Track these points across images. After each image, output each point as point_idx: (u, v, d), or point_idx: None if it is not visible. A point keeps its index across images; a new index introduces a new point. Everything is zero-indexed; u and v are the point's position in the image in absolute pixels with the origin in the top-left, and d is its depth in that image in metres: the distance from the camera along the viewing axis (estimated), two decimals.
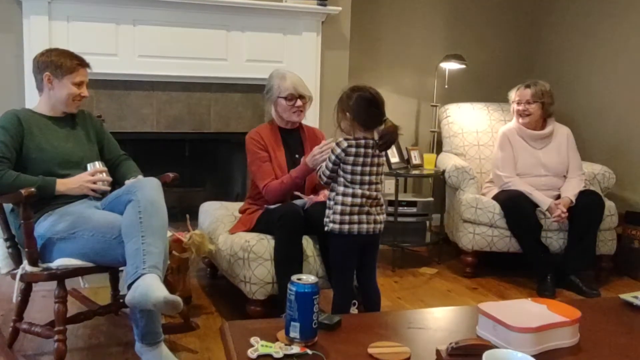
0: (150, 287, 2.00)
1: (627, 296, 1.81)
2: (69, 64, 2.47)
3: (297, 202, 2.89)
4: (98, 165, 2.49)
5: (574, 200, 3.46)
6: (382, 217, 2.56)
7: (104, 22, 3.41)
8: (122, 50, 3.47)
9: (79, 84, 2.50)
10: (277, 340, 1.46)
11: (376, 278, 2.68)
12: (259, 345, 1.41)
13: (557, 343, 1.49)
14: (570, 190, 3.52)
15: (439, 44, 4.65)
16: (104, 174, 2.48)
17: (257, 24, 3.72)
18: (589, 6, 4.43)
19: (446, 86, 4.44)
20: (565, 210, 3.41)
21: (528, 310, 1.55)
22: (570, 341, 1.52)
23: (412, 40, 4.63)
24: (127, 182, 2.50)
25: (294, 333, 1.45)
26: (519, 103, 3.68)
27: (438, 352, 1.40)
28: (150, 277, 2.05)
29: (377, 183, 2.51)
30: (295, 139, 3.05)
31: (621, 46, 4.18)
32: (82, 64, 2.53)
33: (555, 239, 3.50)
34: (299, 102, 2.93)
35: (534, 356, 1.23)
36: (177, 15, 3.54)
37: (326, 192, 2.77)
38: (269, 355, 1.38)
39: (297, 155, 3.00)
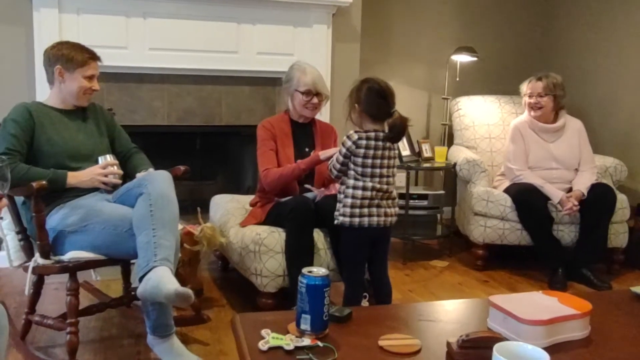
0: (161, 280, 2.01)
1: (638, 289, 1.80)
2: (80, 57, 2.47)
3: (308, 195, 2.90)
4: (109, 158, 2.50)
5: (585, 193, 3.44)
6: (393, 210, 2.55)
7: (115, 14, 3.41)
8: (132, 43, 3.47)
9: (90, 77, 2.50)
10: (288, 332, 1.46)
11: (387, 271, 2.68)
12: (270, 338, 1.42)
13: (568, 335, 1.49)
14: (582, 183, 3.49)
15: (450, 37, 4.62)
16: (115, 167, 2.49)
17: (267, 16, 3.71)
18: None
19: (457, 79, 4.42)
20: (577, 203, 3.39)
21: (539, 303, 1.55)
22: (581, 334, 1.51)
23: (424, 33, 4.61)
24: (138, 175, 2.50)
25: (305, 325, 1.45)
26: (530, 96, 3.65)
27: (449, 344, 1.39)
28: (162, 270, 2.05)
29: (388, 176, 2.51)
30: (306, 133, 3.04)
31: (634, 39, 4.13)
32: (93, 57, 2.53)
33: (566, 232, 3.48)
34: (315, 100, 2.92)
35: (545, 349, 1.22)
36: (187, 8, 3.53)
37: (337, 185, 2.77)
38: (280, 348, 1.39)
39: (307, 149, 3.00)
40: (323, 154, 2.77)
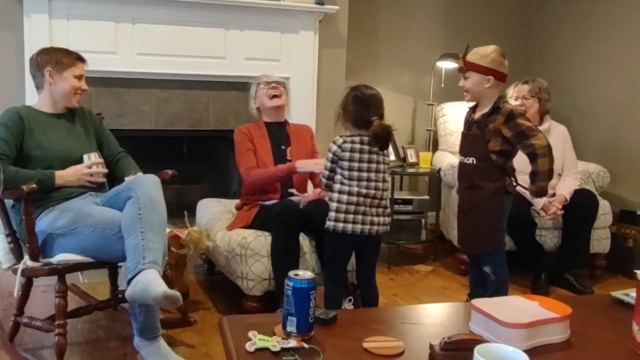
0: (150, 283, 2.03)
1: (618, 293, 1.84)
2: (67, 59, 2.55)
3: (292, 199, 2.94)
4: (94, 156, 2.55)
5: (568, 198, 3.49)
6: (382, 219, 2.55)
7: (104, 20, 3.43)
8: (121, 48, 3.49)
9: (79, 77, 2.57)
10: (274, 334, 1.49)
11: (375, 278, 2.71)
12: (257, 339, 1.44)
13: (548, 339, 1.53)
14: (565, 188, 3.55)
15: (435, 43, 4.68)
16: (101, 166, 2.54)
17: (255, 22, 3.75)
18: (584, 5, 4.47)
19: (442, 85, 4.48)
20: (560, 207, 3.44)
21: (520, 307, 1.59)
22: (561, 337, 1.55)
23: (409, 39, 4.67)
24: (126, 179, 2.54)
25: (291, 327, 1.48)
26: (516, 99, 3.70)
27: (431, 346, 1.43)
28: (150, 273, 2.08)
29: (377, 181, 2.52)
30: (281, 132, 3.19)
31: (618, 46, 4.21)
32: (80, 58, 2.61)
33: (549, 238, 3.54)
34: (273, 85, 3.15)
35: (525, 351, 1.26)
36: (176, 14, 3.56)
37: (318, 190, 2.83)
38: (267, 349, 1.41)
39: (283, 147, 3.14)
40: (300, 167, 2.93)
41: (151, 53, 3.56)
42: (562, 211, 3.44)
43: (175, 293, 2.02)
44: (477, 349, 1.17)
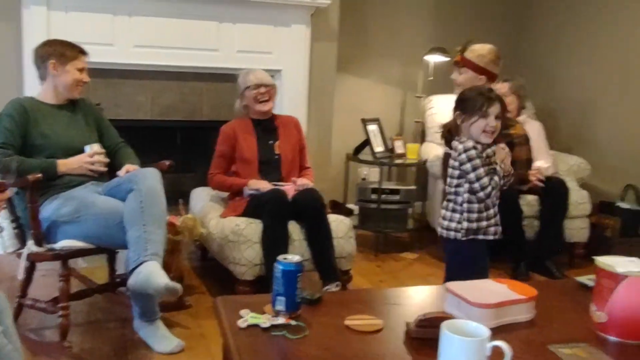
0: (152, 274, 2.16)
1: (583, 278, 1.98)
2: (71, 52, 2.65)
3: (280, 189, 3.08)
4: (96, 147, 2.66)
5: (544, 173, 3.65)
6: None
7: (101, 12, 3.52)
8: (118, 40, 3.59)
9: (81, 70, 2.67)
10: (264, 312, 1.62)
11: None
12: (249, 317, 1.57)
13: (514, 318, 1.66)
14: (542, 163, 3.71)
15: (425, 37, 4.78)
16: (102, 156, 2.65)
17: (248, 15, 3.84)
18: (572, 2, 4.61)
19: (430, 78, 4.59)
20: (541, 172, 3.57)
21: (490, 289, 1.73)
22: (526, 316, 1.69)
23: (399, 33, 4.77)
24: (120, 172, 2.64)
25: (280, 306, 1.61)
26: None
27: (407, 324, 1.56)
28: (152, 265, 2.20)
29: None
30: (268, 128, 3.27)
31: (601, 41, 4.35)
32: (82, 51, 2.71)
33: (529, 227, 3.68)
34: (262, 90, 3.17)
35: (492, 329, 1.39)
36: (171, 7, 3.66)
37: (303, 180, 2.94)
38: (257, 326, 1.55)
39: (270, 142, 3.23)
40: (249, 186, 3.09)
41: (147, 45, 3.65)
42: (543, 178, 3.59)
43: (176, 285, 2.14)
44: (444, 324, 1.30)
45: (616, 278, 1.58)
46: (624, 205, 3.98)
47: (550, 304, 1.80)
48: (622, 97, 4.21)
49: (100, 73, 3.56)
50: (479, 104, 2.26)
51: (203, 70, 3.86)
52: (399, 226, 4.23)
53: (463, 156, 2.27)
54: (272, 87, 3.26)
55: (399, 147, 4.29)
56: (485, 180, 2.26)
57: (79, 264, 3.11)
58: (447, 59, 4.47)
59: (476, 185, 2.26)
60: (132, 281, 2.20)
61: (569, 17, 4.62)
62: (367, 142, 4.15)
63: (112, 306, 2.92)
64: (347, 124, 4.39)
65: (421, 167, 4.27)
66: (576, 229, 3.79)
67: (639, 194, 3.99)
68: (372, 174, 4.63)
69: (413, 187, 4.28)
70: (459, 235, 2.35)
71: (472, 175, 2.26)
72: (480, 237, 2.36)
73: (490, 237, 2.38)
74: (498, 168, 2.30)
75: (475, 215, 2.32)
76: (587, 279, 1.96)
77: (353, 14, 4.54)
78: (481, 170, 2.26)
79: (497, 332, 1.48)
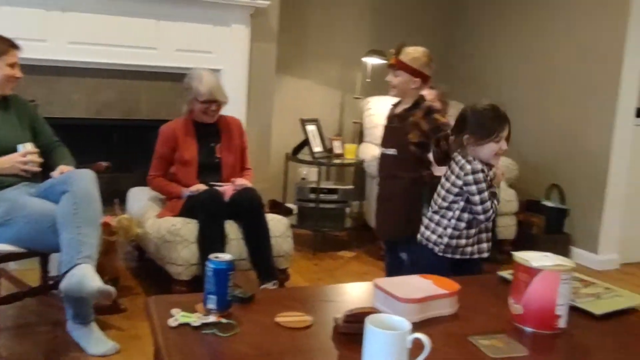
0: (85, 277, 2.13)
1: (504, 273, 2.08)
2: (1, 45, 2.56)
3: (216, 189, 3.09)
4: (29, 146, 2.59)
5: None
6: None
7: (32, 7, 3.44)
8: (51, 36, 3.51)
9: (12, 65, 2.58)
10: (195, 311, 1.64)
11: None
12: (179, 316, 1.59)
13: (438, 312, 1.74)
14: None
15: (363, 39, 4.87)
16: (35, 156, 2.59)
17: (187, 14, 3.82)
18: (501, 7, 4.79)
19: (368, 80, 4.68)
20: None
21: (415, 285, 1.80)
22: (450, 310, 1.77)
23: (338, 35, 4.84)
24: (53, 173, 2.58)
25: (211, 305, 1.63)
26: None
27: (335, 319, 1.61)
28: (85, 267, 2.17)
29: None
30: (210, 130, 3.24)
31: (527, 47, 4.54)
32: (14, 45, 2.61)
33: None
34: (213, 107, 3.14)
35: (416, 323, 1.46)
36: (107, 4, 3.60)
37: (239, 181, 2.98)
38: (188, 324, 1.57)
39: (212, 144, 3.21)
40: (184, 193, 3.07)
41: (82, 42, 3.58)
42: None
43: (109, 288, 2.13)
44: (368, 319, 1.36)
45: (531, 272, 1.67)
46: (548, 203, 4.17)
47: (472, 298, 1.88)
48: (546, 101, 4.41)
49: (34, 69, 3.48)
50: (494, 129, 2.26)
51: (141, 68, 3.81)
52: (336, 225, 4.29)
53: (470, 177, 2.25)
54: (223, 102, 3.20)
55: (337, 147, 4.36)
56: (489, 204, 2.27)
57: (10, 266, 3.03)
58: (384, 61, 4.56)
59: (479, 208, 2.28)
60: (64, 284, 2.17)
61: (499, 24, 4.80)
62: (306, 142, 4.20)
63: (44, 309, 2.86)
64: (287, 124, 4.44)
65: (359, 167, 4.35)
66: (505, 226, 3.96)
67: (562, 193, 4.19)
68: (311, 174, 4.69)
69: (351, 186, 4.36)
70: (436, 249, 2.38)
71: (476, 198, 2.27)
72: (458, 256, 2.38)
73: (467, 257, 2.40)
74: (497, 191, 2.34)
75: (457, 233, 2.35)
76: (507, 274, 2.05)
77: (293, 15, 4.58)
78: (486, 195, 2.26)
79: (421, 325, 1.55)
